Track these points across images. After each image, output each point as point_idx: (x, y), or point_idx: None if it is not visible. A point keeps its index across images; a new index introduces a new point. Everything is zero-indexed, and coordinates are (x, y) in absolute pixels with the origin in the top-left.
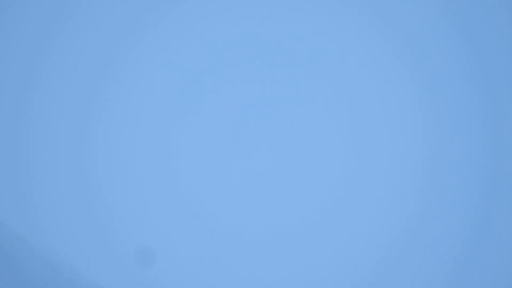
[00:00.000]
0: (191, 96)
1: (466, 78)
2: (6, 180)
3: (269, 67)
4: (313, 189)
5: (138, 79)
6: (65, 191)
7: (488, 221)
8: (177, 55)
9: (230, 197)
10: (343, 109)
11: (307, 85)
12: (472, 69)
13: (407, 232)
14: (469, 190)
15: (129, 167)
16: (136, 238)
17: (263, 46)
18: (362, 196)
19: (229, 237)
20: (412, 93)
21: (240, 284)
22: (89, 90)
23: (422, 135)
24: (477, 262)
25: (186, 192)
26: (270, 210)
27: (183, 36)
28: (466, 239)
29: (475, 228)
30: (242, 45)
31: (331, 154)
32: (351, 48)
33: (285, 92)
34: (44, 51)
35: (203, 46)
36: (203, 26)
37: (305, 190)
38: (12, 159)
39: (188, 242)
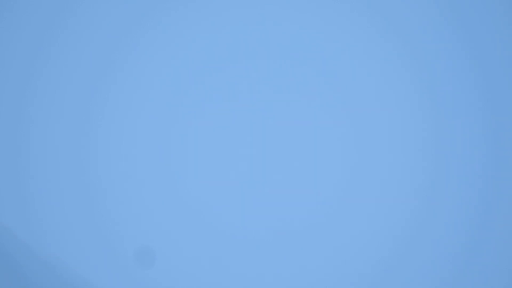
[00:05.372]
0: (192, 97)
1: (466, 79)
2: (7, 182)
3: (270, 68)
4: (313, 190)
5: (138, 80)
6: (65, 192)
7: (488, 221)
8: (178, 56)
9: (230, 197)
10: (344, 111)
11: (308, 86)
12: (472, 70)
13: (406, 233)
14: (469, 190)
15: (129, 168)
16: (136, 239)
17: (264, 48)
18: (362, 197)
19: (229, 237)
20: (413, 95)
21: (240, 284)
22: (90, 92)
23: (422, 136)
24: (477, 262)
25: (186, 193)
26: (270, 210)
27: (184, 38)
28: (466, 240)
29: (475, 229)
30: (243, 46)
31: (331, 155)
32: (352, 50)
33: (286, 93)
34: (45, 52)
35: (204, 48)
36: (204, 28)
37: (305, 190)
38: (12, 160)
39: (188, 242)
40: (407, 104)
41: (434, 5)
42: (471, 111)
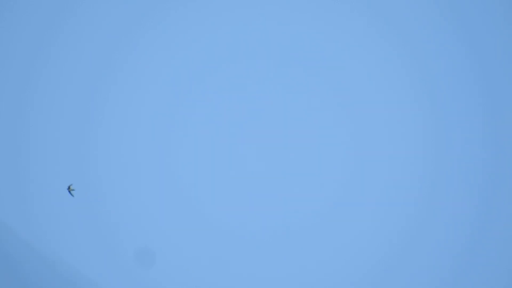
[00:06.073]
0: (193, 98)
1: (466, 79)
2: (7, 182)
3: (270, 69)
4: (313, 190)
5: (138, 81)
6: (65, 193)
7: (487, 222)
8: (178, 56)
9: (229, 198)
10: (344, 111)
11: (309, 86)
12: (472, 70)
13: (406, 233)
14: (469, 191)
15: (130, 169)
16: (136, 239)
17: (265, 48)
18: (362, 197)
19: (228, 237)
20: (414, 96)
21: (239, 284)
22: (90, 92)
23: (422, 137)
24: (476, 262)
25: (186, 194)
26: (270, 211)
27: (184, 37)
28: (465, 241)
29: (475, 229)
30: (244, 46)
31: (332, 155)
32: (352, 50)
33: (286, 93)
34: (45, 52)
35: (204, 48)
36: (204, 28)
37: (305, 191)
38: (13, 161)
39: (188, 243)
40: (408, 104)
41: (434, 5)
42: (471, 111)
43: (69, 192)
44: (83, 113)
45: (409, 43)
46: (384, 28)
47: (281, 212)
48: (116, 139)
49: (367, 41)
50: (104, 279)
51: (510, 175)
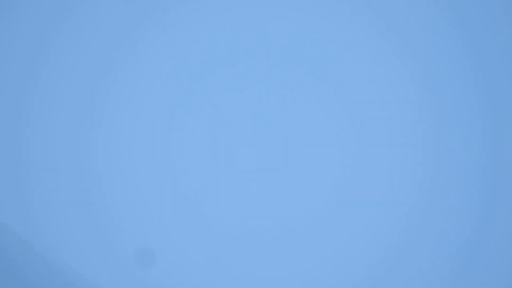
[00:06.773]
0: (192, 97)
1: (466, 79)
2: (7, 181)
3: (269, 68)
4: (313, 190)
5: (138, 80)
6: (65, 192)
7: (488, 222)
8: (178, 56)
9: (229, 198)
10: (344, 110)
11: (308, 86)
12: (472, 70)
13: (406, 233)
14: (469, 191)
15: (130, 168)
16: (136, 239)
17: (264, 47)
18: (362, 196)
19: (229, 237)
20: (413, 95)
21: (239, 284)
22: (90, 92)
23: (422, 137)
24: (476, 262)
25: (187, 193)
26: (270, 210)
27: (184, 37)
28: (465, 241)
29: (475, 229)
30: (243, 46)
31: (331, 154)
32: (352, 50)
33: (286, 93)
34: (45, 52)
35: (204, 47)
36: (204, 28)
37: (305, 190)
38: (13, 161)
39: (188, 242)
40: (407, 104)
41: (434, 5)
42: (471, 111)
43: None
44: (82, 113)
45: (409, 43)
46: (384, 28)
47: (282, 212)
48: (115, 138)
49: (367, 42)
50: (104, 279)
51: (511, 175)
